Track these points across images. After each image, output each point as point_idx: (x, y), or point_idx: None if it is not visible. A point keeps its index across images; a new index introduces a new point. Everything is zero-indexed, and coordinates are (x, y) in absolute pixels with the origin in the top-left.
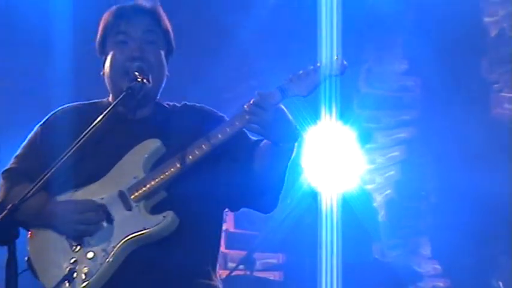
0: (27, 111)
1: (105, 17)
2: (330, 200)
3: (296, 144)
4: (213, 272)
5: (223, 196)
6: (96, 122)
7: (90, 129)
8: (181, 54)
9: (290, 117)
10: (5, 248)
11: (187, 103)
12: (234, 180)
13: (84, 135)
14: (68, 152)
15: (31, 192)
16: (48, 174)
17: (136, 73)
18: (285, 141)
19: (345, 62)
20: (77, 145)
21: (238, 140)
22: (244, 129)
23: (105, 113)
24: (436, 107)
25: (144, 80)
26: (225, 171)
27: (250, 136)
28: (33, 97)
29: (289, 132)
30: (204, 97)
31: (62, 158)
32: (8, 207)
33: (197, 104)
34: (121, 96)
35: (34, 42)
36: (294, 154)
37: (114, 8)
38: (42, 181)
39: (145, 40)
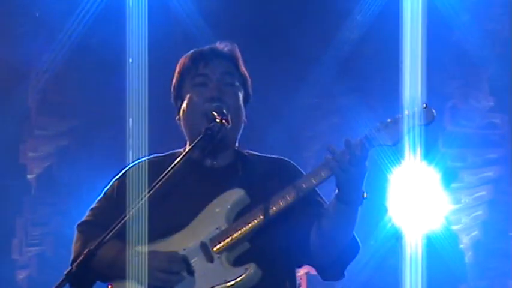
0: (104, 164)
1: (182, 61)
2: (414, 241)
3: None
4: None
5: (296, 249)
6: (171, 167)
7: (164, 175)
8: (262, 92)
9: (363, 183)
10: None
11: (270, 156)
12: (304, 235)
13: (159, 182)
14: (142, 199)
15: (107, 237)
16: (122, 222)
17: (215, 113)
18: (349, 203)
19: (434, 111)
20: (152, 191)
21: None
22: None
23: (182, 156)
24: None
25: (223, 121)
26: (299, 225)
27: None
28: (110, 151)
29: (358, 195)
30: (285, 136)
31: (136, 206)
32: (85, 252)
33: (282, 158)
34: (199, 137)
35: (111, 96)
36: (354, 221)
37: (191, 51)
38: (116, 228)
39: (224, 82)
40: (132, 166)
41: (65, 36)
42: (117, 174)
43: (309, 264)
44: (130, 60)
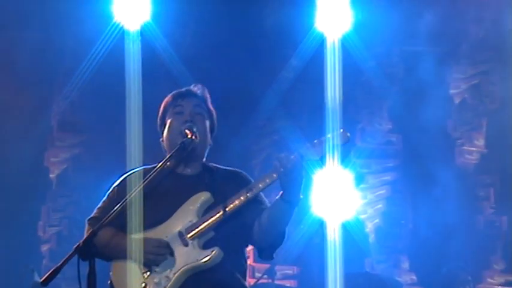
0: (106, 167)
1: (166, 99)
2: (333, 226)
3: (295, 209)
4: (245, 284)
5: (245, 235)
6: (153, 171)
7: (148, 177)
8: (224, 116)
9: (301, 188)
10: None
11: (228, 168)
12: (250, 225)
13: (143, 182)
14: (130, 195)
15: (106, 221)
16: (117, 209)
17: (187, 131)
18: (290, 203)
19: (348, 134)
20: (138, 189)
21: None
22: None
23: (162, 162)
24: (414, 157)
25: (193, 136)
26: (248, 218)
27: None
28: (111, 158)
29: (295, 198)
30: (239, 148)
31: (125, 201)
32: (89, 232)
33: (238, 170)
34: (176, 148)
35: (113, 117)
36: (291, 217)
37: (173, 92)
38: (113, 216)
39: (195, 112)
40: (126, 175)
41: (79, 75)
42: (117, 180)
43: (251, 244)
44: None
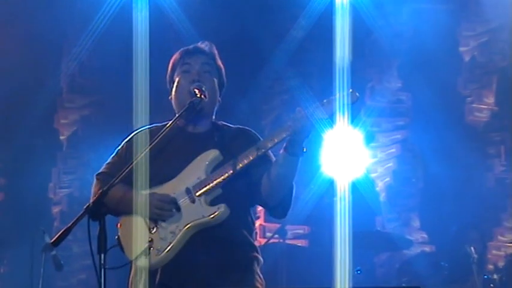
0: (115, 129)
1: (174, 56)
2: (343, 185)
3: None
4: (253, 242)
5: (252, 193)
6: (163, 130)
7: (159, 135)
8: (232, 76)
9: (304, 140)
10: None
11: (240, 126)
12: (258, 183)
13: (154, 141)
14: (141, 153)
15: (116, 181)
16: (127, 169)
17: (196, 90)
18: (294, 155)
19: (357, 94)
20: (149, 148)
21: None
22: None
23: (171, 121)
24: (423, 115)
25: (202, 96)
26: (255, 176)
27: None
28: (120, 119)
29: (299, 150)
30: (248, 109)
31: (137, 158)
32: (99, 191)
33: (247, 128)
34: (184, 108)
35: (122, 78)
36: (296, 169)
37: (180, 50)
38: (123, 175)
39: (203, 70)
40: (136, 132)
41: (87, 36)
42: (126, 137)
43: (259, 205)
44: None
